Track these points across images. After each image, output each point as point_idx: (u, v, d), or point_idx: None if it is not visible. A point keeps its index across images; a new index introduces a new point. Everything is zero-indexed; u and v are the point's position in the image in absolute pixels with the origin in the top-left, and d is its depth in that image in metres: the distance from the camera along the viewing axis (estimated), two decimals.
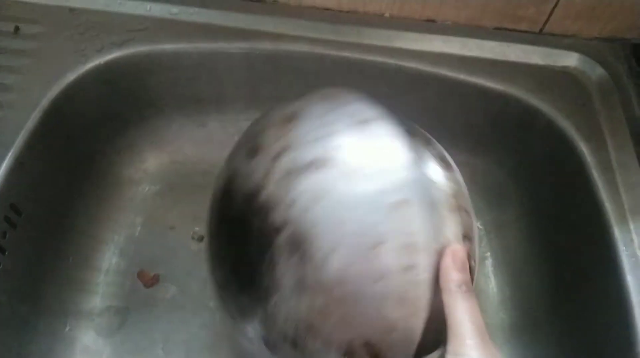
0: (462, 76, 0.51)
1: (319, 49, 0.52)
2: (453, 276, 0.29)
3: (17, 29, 0.51)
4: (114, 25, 0.52)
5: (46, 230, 0.50)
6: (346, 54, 0.52)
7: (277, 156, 0.31)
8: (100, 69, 0.51)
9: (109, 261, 0.54)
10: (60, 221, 0.52)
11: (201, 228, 0.56)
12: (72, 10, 0.53)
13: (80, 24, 0.52)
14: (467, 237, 0.32)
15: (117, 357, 0.49)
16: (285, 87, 0.55)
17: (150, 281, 0.53)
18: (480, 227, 0.59)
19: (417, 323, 0.29)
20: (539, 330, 0.51)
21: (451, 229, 0.31)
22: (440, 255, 0.29)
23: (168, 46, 0.52)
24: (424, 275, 0.29)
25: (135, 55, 0.52)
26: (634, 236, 0.42)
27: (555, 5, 0.51)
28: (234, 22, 0.53)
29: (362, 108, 0.33)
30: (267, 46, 0.52)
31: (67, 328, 0.50)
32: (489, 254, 0.57)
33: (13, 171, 0.44)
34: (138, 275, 0.54)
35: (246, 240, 0.32)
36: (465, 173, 0.58)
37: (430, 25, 0.54)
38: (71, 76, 0.49)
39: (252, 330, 0.34)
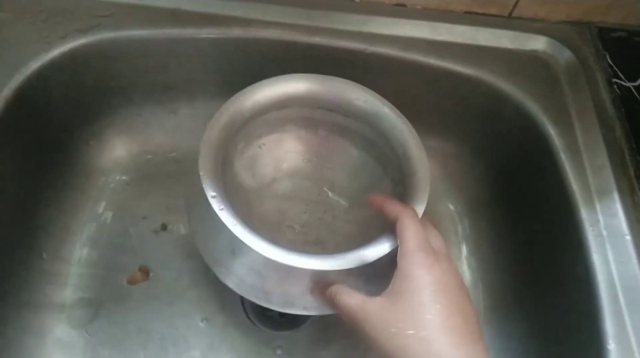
0: (432, 60, 0.51)
1: (289, 35, 0.52)
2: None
3: None
4: (79, 11, 0.51)
5: (14, 221, 0.48)
6: (317, 39, 0.51)
7: None
8: (65, 57, 0.49)
9: (79, 253, 0.53)
10: (29, 213, 0.51)
11: (172, 217, 0.56)
12: None
13: (43, 9, 0.50)
14: None
15: (90, 350, 0.49)
16: (255, 74, 0.54)
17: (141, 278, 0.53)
18: (450, 211, 0.59)
19: None
20: (510, 310, 0.52)
21: None
22: None
23: (135, 32, 0.51)
24: None
25: (101, 42, 0.50)
26: (600, 217, 0.43)
27: None
28: (202, 7, 0.52)
29: None
30: (237, 31, 0.52)
31: (38, 321, 0.49)
32: (463, 238, 0.58)
33: None
34: (129, 280, 0.53)
35: None
36: (437, 157, 0.60)
37: (400, 10, 0.53)
38: (34, 64, 0.48)
39: None
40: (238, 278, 0.39)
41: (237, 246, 0.36)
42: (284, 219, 0.50)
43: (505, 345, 0.51)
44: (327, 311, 0.39)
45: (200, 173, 0.37)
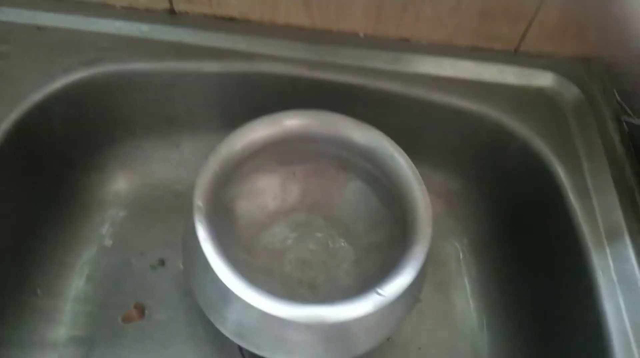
0: (436, 96, 0.51)
1: (292, 69, 0.51)
2: None
3: None
4: (82, 44, 0.51)
5: (8, 256, 0.47)
6: (320, 74, 0.51)
7: None
8: (68, 89, 0.49)
9: (74, 288, 0.52)
10: (25, 247, 0.50)
11: (170, 252, 0.55)
12: (39, 28, 0.52)
13: (48, 42, 0.51)
14: None
15: None
16: (258, 107, 0.54)
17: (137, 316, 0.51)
18: (455, 250, 0.58)
19: None
20: (518, 356, 0.50)
21: None
22: None
23: (138, 65, 0.51)
24: None
25: (104, 74, 0.50)
26: (610, 262, 0.41)
27: (529, 24, 0.51)
28: (205, 41, 0.52)
29: None
30: (240, 65, 0.51)
31: None
32: (466, 278, 0.56)
33: None
34: (124, 318, 0.51)
35: None
36: (442, 194, 0.59)
37: (405, 45, 0.53)
38: (36, 97, 0.48)
39: None
40: (231, 324, 0.38)
41: (225, 292, 0.35)
42: (288, 250, 0.50)
43: None
44: None
45: (195, 211, 0.37)
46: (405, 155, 0.43)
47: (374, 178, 0.46)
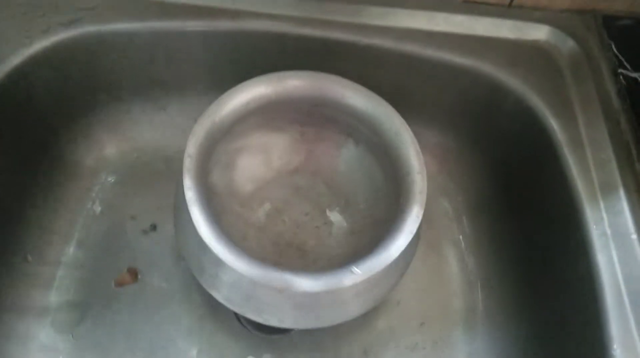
0: (429, 52, 0.49)
1: (279, 27, 0.50)
2: None
3: None
4: (61, 3, 0.49)
5: None
6: (308, 31, 0.49)
7: None
8: (48, 52, 0.48)
9: (65, 254, 0.51)
10: (14, 214, 0.49)
11: (162, 217, 0.54)
12: None
13: (24, 2, 0.49)
14: None
15: (76, 355, 0.47)
16: (246, 68, 0.52)
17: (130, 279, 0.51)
18: (449, 208, 0.58)
19: None
20: (510, 311, 0.50)
21: None
22: None
23: (120, 26, 0.49)
24: None
25: (84, 36, 0.49)
26: (604, 215, 0.41)
27: None
28: None
29: None
30: (225, 24, 0.50)
31: (22, 326, 0.47)
32: (461, 237, 0.56)
33: None
34: (117, 282, 0.51)
35: None
36: (435, 152, 0.58)
37: None
38: (15, 60, 0.46)
39: None
40: (208, 276, 0.38)
41: (202, 242, 0.35)
42: (284, 211, 0.50)
43: (505, 348, 0.49)
44: (307, 326, 0.38)
45: (185, 159, 0.37)
46: (399, 116, 0.42)
47: (379, 148, 0.45)
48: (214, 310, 0.50)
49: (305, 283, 0.34)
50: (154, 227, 0.54)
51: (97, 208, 0.54)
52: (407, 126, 0.42)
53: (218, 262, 0.35)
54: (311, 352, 0.49)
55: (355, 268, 0.35)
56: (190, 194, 0.36)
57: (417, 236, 0.39)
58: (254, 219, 0.49)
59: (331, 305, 0.38)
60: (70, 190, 0.55)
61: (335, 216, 0.50)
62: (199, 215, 0.36)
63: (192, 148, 0.38)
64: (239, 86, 0.42)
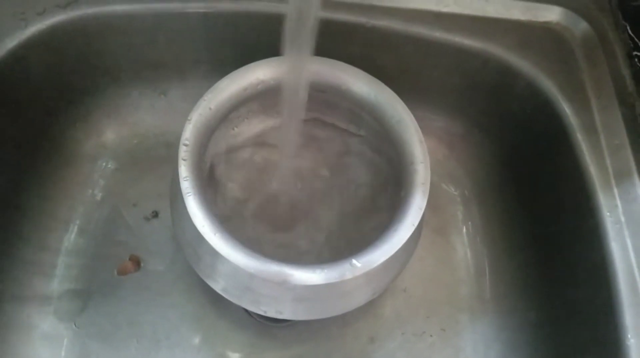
0: (437, 34, 0.48)
1: (283, 7, 0.48)
2: None
3: None
4: None
5: None
6: None
7: None
8: (44, 35, 0.46)
9: (67, 242, 0.51)
10: (13, 202, 0.48)
11: (164, 204, 0.53)
12: None
13: None
14: None
15: (79, 343, 0.47)
16: (249, 51, 0.51)
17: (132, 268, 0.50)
18: (457, 194, 0.57)
19: None
20: (519, 299, 0.49)
21: None
22: None
23: (118, 7, 0.48)
24: None
25: (82, 18, 0.47)
26: (618, 202, 0.40)
27: None
28: None
29: None
30: (226, 5, 0.48)
31: (24, 315, 0.47)
32: (469, 223, 0.55)
33: None
34: (119, 270, 0.50)
35: None
36: (443, 138, 0.57)
37: None
38: (10, 43, 0.45)
39: None
40: (218, 277, 0.37)
41: (198, 233, 0.35)
42: (285, 198, 0.49)
43: (513, 337, 0.48)
44: (306, 317, 0.38)
45: (180, 168, 0.37)
46: (401, 101, 0.41)
47: (381, 136, 0.44)
48: (218, 297, 0.49)
49: (304, 276, 0.34)
50: (155, 214, 0.53)
51: (98, 195, 0.54)
52: (411, 114, 0.40)
53: (214, 253, 0.34)
54: (316, 340, 0.49)
55: (355, 261, 0.34)
56: (186, 185, 0.35)
57: (419, 228, 0.38)
58: (253, 206, 0.48)
59: (331, 297, 0.37)
60: (70, 176, 0.54)
61: (337, 203, 0.49)
62: (195, 205, 0.35)
63: (187, 136, 0.37)
64: (236, 72, 0.42)
